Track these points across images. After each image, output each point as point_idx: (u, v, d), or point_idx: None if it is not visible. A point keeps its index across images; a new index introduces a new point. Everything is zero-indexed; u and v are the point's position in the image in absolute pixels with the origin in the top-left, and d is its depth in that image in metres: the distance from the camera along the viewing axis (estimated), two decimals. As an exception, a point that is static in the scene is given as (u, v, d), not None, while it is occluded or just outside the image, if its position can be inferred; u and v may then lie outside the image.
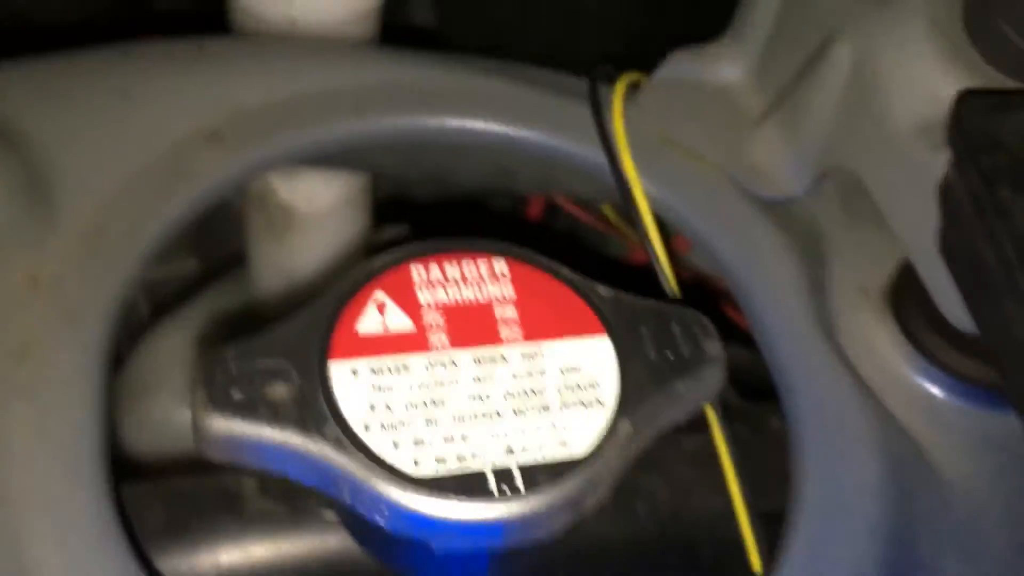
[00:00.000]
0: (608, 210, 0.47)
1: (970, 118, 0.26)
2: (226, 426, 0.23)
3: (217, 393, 0.23)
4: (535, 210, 0.49)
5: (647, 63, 0.35)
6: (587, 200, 0.47)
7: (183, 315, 0.46)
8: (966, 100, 0.26)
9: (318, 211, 0.43)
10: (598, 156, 0.33)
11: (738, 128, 0.34)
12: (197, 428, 0.23)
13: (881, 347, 0.30)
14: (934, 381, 0.29)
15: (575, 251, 0.48)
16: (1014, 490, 0.27)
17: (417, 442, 0.24)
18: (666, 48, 0.35)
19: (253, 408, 0.23)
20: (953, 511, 0.27)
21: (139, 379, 0.45)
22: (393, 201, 0.51)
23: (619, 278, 0.29)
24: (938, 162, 0.27)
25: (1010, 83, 0.27)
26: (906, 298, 0.30)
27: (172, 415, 0.43)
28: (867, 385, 0.29)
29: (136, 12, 0.46)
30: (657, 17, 0.40)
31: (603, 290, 0.27)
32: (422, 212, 0.50)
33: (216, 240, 0.54)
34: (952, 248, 0.26)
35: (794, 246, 0.32)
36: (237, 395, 0.23)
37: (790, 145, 0.32)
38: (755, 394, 0.39)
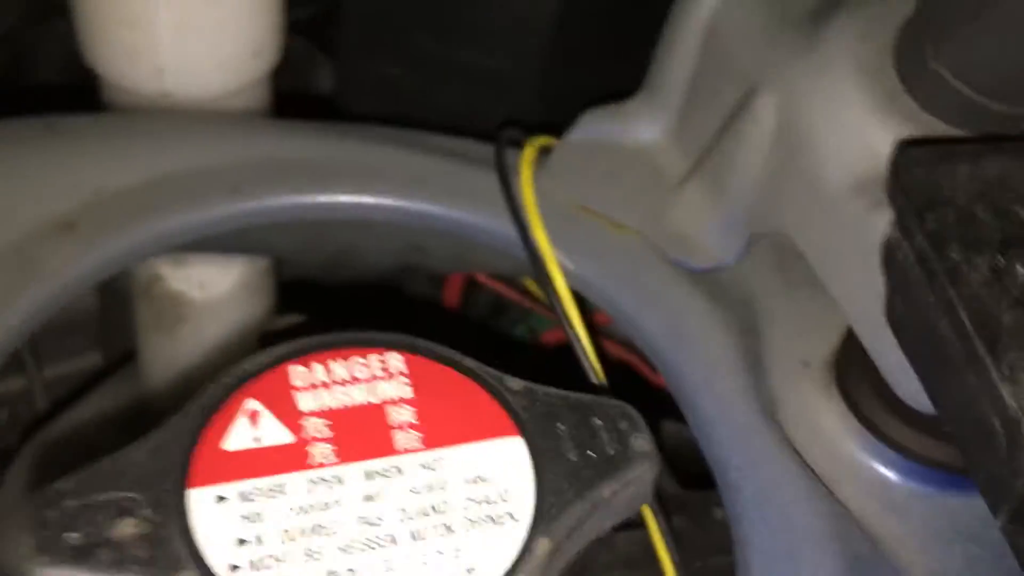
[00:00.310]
0: (531, 284, 0.44)
1: (911, 172, 0.23)
2: (58, 577, 0.19)
3: (49, 537, 0.19)
4: (454, 288, 0.46)
5: (558, 127, 0.32)
6: (507, 275, 0.44)
7: (62, 423, 0.42)
8: (905, 152, 0.23)
9: (212, 300, 0.40)
10: (510, 229, 0.30)
11: (659, 192, 0.31)
12: (24, 581, 0.19)
13: (827, 427, 0.27)
14: (888, 463, 0.27)
15: (493, 335, 0.45)
16: (988, 586, 0.24)
17: (294, 582, 0.20)
18: (578, 109, 0.32)
19: (92, 553, 0.19)
20: (922, 615, 0.24)
21: (14, 494, 0.40)
22: (301, 284, 0.47)
23: (543, 361, 0.26)
24: (878, 222, 0.24)
25: (950, 131, 0.24)
26: (852, 370, 0.28)
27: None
28: (814, 471, 0.26)
29: (6, 87, 0.43)
30: (567, 77, 0.38)
31: (514, 383, 0.24)
32: (333, 296, 0.47)
33: (121, 332, 0.50)
34: (901, 317, 0.24)
35: (726, 319, 0.29)
36: (73, 538, 0.20)
37: (716, 208, 0.29)
38: (695, 479, 0.36)
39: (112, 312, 0.49)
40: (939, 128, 0.25)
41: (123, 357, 0.50)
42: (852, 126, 0.25)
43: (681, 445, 0.34)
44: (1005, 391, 0.20)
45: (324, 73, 0.50)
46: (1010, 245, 0.22)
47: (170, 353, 0.40)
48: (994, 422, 0.21)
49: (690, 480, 0.36)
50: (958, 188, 0.23)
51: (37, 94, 0.45)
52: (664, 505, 0.31)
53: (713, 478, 0.36)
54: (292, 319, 0.40)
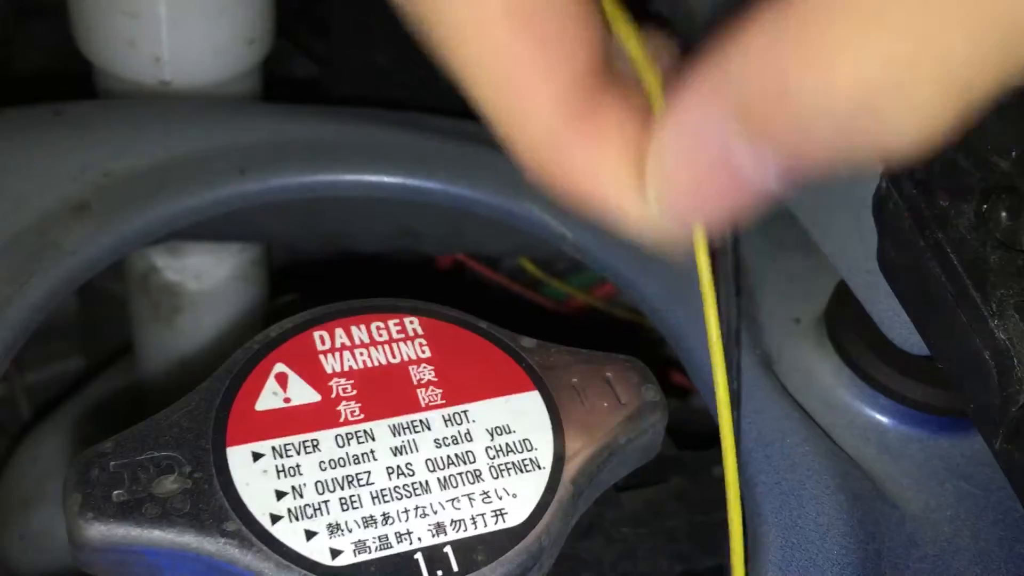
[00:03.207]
0: (526, 263, 0.44)
1: (897, 127, 0.24)
2: (107, 532, 0.20)
3: (94, 495, 0.20)
4: (441, 265, 0.47)
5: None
6: (496, 257, 0.45)
7: (62, 415, 0.42)
8: (891, 109, 0.24)
9: (209, 288, 0.40)
10: (508, 204, 0.31)
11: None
12: (73, 539, 0.20)
13: (822, 377, 0.29)
14: (881, 410, 0.28)
15: (489, 301, 0.45)
16: (979, 518, 0.26)
17: (333, 529, 0.21)
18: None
19: (138, 508, 0.20)
20: (920, 547, 0.25)
21: (17, 488, 0.40)
22: (284, 268, 0.48)
23: (541, 328, 0.26)
24: (866, 177, 0.25)
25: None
26: (843, 325, 0.29)
27: (55, 527, 0.39)
28: (813, 419, 0.27)
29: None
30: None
31: (527, 341, 0.25)
32: (316, 275, 0.47)
33: (102, 334, 0.50)
34: (893, 264, 0.25)
35: (721, 281, 0.30)
36: (118, 495, 0.20)
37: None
38: (690, 441, 0.37)
39: (92, 315, 0.49)
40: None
41: (108, 359, 0.50)
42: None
43: (674, 411, 0.36)
44: (994, 326, 0.22)
45: (298, 57, 0.50)
46: (991, 192, 0.23)
47: (168, 343, 0.41)
48: (985, 355, 0.22)
49: (685, 443, 0.37)
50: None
51: (16, 89, 0.45)
52: (664, 464, 0.32)
53: (707, 440, 0.37)
54: (291, 296, 0.41)
